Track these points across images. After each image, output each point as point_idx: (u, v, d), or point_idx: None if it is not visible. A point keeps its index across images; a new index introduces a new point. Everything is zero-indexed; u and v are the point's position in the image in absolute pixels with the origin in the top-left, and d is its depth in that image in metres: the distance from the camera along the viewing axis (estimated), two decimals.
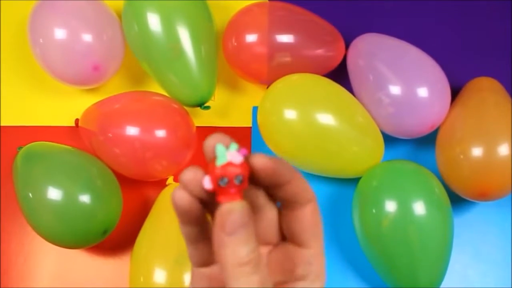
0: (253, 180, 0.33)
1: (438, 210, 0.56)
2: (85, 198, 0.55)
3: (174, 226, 0.54)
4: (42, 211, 0.55)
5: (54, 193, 0.55)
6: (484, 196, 0.58)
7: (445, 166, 0.59)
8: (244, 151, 0.32)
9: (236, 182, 0.31)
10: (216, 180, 0.31)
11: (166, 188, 0.61)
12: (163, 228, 0.56)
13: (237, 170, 0.31)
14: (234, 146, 0.32)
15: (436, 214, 0.55)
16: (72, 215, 0.55)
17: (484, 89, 0.62)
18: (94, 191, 0.56)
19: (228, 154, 0.32)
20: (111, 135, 0.58)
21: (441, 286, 0.59)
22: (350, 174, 0.62)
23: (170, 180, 0.63)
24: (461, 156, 0.57)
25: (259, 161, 0.32)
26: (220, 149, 0.32)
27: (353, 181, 0.62)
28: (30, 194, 0.55)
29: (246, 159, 0.33)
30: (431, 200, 0.55)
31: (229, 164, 0.31)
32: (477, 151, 0.56)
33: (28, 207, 0.56)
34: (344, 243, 0.63)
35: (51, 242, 0.57)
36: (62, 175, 0.56)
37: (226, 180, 0.31)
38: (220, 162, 0.32)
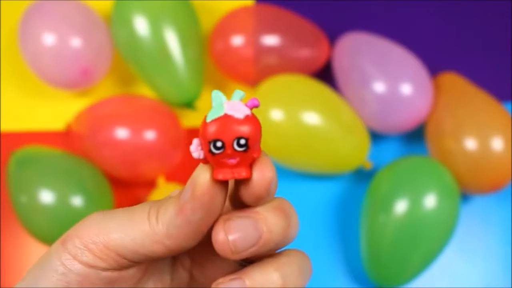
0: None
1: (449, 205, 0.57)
2: (77, 200, 0.56)
3: None
4: (35, 214, 0.56)
5: (46, 196, 0.55)
6: (483, 188, 0.59)
7: (440, 159, 0.61)
8: (255, 101, 0.21)
9: (236, 147, 0.20)
10: (207, 144, 0.21)
11: (157, 189, 0.62)
12: None
13: (238, 129, 0.20)
14: (239, 94, 0.21)
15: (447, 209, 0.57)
16: (65, 217, 0.56)
17: (458, 83, 0.64)
18: (86, 193, 0.57)
19: (227, 105, 0.21)
20: (101, 138, 0.59)
21: (440, 286, 0.60)
22: (337, 171, 0.63)
23: (160, 180, 0.64)
24: (456, 148, 0.58)
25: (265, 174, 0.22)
26: (216, 96, 0.21)
27: (365, 181, 0.63)
28: (23, 198, 0.56)
29: (255, 116, 0.21)
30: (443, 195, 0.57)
31: (226, 118, 0.20)
32: (472, 143, 0.58)
33: (21, 210, 0.57)
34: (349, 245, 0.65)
35: (44, 243, 0.57)
36: (54, 178, 0.57)
37: (220, 143, 0.20)
38: (212, 115, 0.20)
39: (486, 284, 0.62)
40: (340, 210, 0.65)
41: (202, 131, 0.21)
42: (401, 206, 0.56)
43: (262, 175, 0.22)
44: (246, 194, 0.22)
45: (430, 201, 0.56)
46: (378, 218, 0.57)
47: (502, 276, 0.63)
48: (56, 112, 0.67)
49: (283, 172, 0.65)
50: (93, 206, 0.57)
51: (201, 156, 0.21)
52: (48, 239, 0.57)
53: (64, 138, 0.65)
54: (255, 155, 0.21)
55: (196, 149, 0.21)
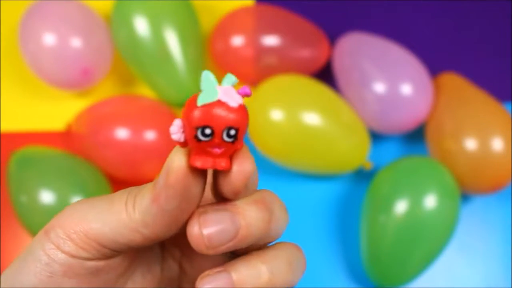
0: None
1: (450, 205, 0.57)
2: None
3: None
4: (35, 213, 0.56)
5: (46, 196, 0.55)
6: (483, 188, 0.59)
7: (440, 159, 0.61)
8: (246, 89, 0.19)
9: (225, 137, 0.19)
10: (192, 129, 0.19)
11: None
12: None
13: (231, 118, 0.19)
14: (230, 79, 0.19)
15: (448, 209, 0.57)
16: None
17: (458, 83, 0.64)
18: (86, 194, 0.57)
19: (221, 90, 0.19)
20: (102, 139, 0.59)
21: (440, 286, 0.60)
22: (337, 171, 0.63)
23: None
24: (456, 148, 0.58)
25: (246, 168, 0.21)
26: (207, 78, 0.19)
27: (365, 181, 0.63)
28: (24, 198, 0.56)
29: (245, 106, 0.20)
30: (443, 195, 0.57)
31: (220, 104, 0.19)
32: (472, 143, 0.58)
33: (22, 210, 0.57)
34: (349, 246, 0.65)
35: None
36: (55, 178, 0.57)
37: (210, 130, 0.19)
38: (204, 99, 0.19)
39: (486, 284, 0.62)
40: (340, 210, 0.65)
41: (189, 114, 0.19)
42: (401, 206, 0.56)
43: (241, 168, 0.20)
44: (224, 186, 0.21)
45: (430, 201, 0.56)
46: (378, 218, 0.57)
47: (502, 276, 0.63)
48: (56, 112, 0.68)
49: (283, 172, 0.65)
50: None
51: (181, 140, 0.20)
52: None
53: (64, 138, 0.65)
54: (238, 147, 0.20)
55: (177, 131, 0.20)
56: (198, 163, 0.19)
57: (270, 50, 0.63)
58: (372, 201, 0.59)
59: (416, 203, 0.56)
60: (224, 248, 0.21)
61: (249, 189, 0.22)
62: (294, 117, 0.59)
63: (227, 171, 0.20)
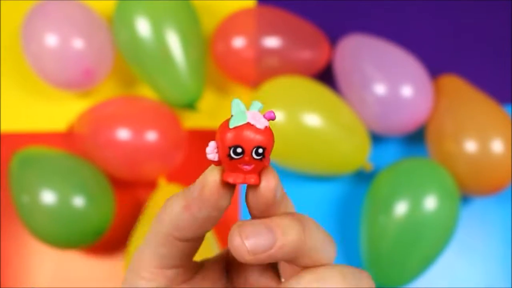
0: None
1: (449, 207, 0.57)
2: (78, 201, 0.56)
3: None
4: (37, 213, 0.56)
5: (48, 197, 0.56)
6: (483, 189, 0.60)
7: (440, 161, 0.61)
8: (271, 114, 0.23)
9: (254, 155, 0.22)
10: (226, 149, 0.22)
11: (158, 189, 0.63)
12: None
13: (259, 138, 0.22)
14: (257, 105, 0.23)
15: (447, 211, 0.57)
16: (66, 217, 0.56)
17: (458, 85, 0.64)
18: (87, 194, 0.57)
19: (249, 114, 0.22)
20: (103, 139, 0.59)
21: (440, 286, 0.60)
22: (338, 172, 0.63)
23: (161, 180, 0.64)
24: (456, 150, 0.59)
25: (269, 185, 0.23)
26: (237, 105, 0.22)
27: (365, 182, 0.64)
28: (25, 198, 0.56)
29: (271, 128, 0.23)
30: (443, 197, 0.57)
31: (249, 127, 0.22)
32: (472, 145, 0.58)
33: (23, 210, 0.57)
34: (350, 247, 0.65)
35: (46, 243, 0.58)
36: (56, 178, 0.57)
37: (240, 149, 0.22)
38: (235, 122, 0.22)
39: (486, 285, 0.63)
40: (341, 211, 0.65)
41: (222, 136, 0.22)
42: (401, 208, 0.56)
43: (268, 182, 0.23)
44: (255, 200, 0.23)
45: (430, 202, 0.56)
46: (378, 219, 0.58)
47: (502, 277, 0.63)
48: (58, 113, 0.68)
49: (284, 174, 0.65)
50: (95, 206, 0.57)
51: (216, 159, 0.22)
52: (49, 239, 0.57)
53: (66, 139, 0.66)
54: (266, 164, 0.23)
55: (212, 151, 0.22)
56: (231, 178, 0.22)
57: (271, 51, 0.63)
58: (372, 202, 0.60)
59: (416, 205, 0.56)
60: (265, 256, 0.23)
61: (278, 203, 0.24)
62: (295, 118, 0.59)
63: (256, 186, 0.23)
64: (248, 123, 0.22)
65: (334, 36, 0.67)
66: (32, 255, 0.63)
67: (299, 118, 0.59)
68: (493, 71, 0.70)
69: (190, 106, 0.64)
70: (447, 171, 0.59)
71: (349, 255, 0.64)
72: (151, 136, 0.60)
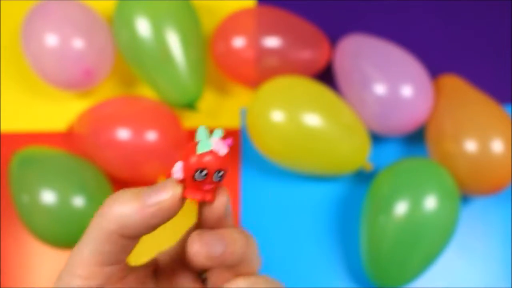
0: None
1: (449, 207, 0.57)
2: (78, 201, 0.56)
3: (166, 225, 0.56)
4: (37, 213, 0.56)
5: (48, 197, 0.56)
6: (483, 189, 0.59)
7: (440, 161, 0.61)
8: (230, 141, 0.26)
9: (215, 178, 0.26)
10: (192, 171, 0.25)
11: None
12: None
13: (221, 164, 0.25)
14: (219, 133, 0.26)
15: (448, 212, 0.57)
16: (66, 217, 0.56)
17: (458, 85, 0.64)
18: (87, 194, 0.57)
19: (213, 142, 0.25)
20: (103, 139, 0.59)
21: (440, 286, 0.60)
22: (338, 171, 0.63)
23: (161, 179, 0.64)
24: (456, 150, 0.59)
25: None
26: (202, 132, 0.26)
27: (365, 182, 0.64)
28: (25, 198, 0.56)
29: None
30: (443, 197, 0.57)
31: (212, 153, 0.25)
32: (472, 145, 0.58)
33: (23, 210, 0.57)
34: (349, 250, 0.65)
35: (46, 243, 0.58)
36: (56, 178, 0.57)
37: (205, 172, 0.25)
38: (202, 149, 0.25)
39: (486, 285, 0.63)
40: (341, 211, 0.65)
41: (189, 159, 0.25)
42: (401, 208, 0.56)
43: (221, 199, 0.27)
44: (208, 214, 0.28)
45: (430, 202, 0.56)
46: (378, 219, 0.58)
47: (502, 277, 0.63)
48: (58, 112, 0.68)
49: (283, 173, 0.65)
50: (95, 206, 0.57)
51: (181, 177, 0.26)
52: (49, 239, 0.57)
53: (66, 139, 0.66)
54: (221, 185, 0.26)
55: (178, 171, 0.25)
56: (190, 195, 0.26)
57: (271, 51, 0.63)
58: (372, 202, 0.60)
59: (416, 205, 0.56)
60: (218, 260, 0.27)
61: (227, 217, 0.28)
62: (295, 118, 0.59)
63: (210, 202, 0.27)
64: (213, 150, 0.25)
65: (334, 36, 0.67)
66: (32, 255, 0.63)
67: (299, 118, 0.59)
68: (493, 71, 0.70)
69: (190, 106, 0.64)
70: (447, 171, 0.59)
71: (349, 255, 0.64)
72: (151, 136, 0.60)
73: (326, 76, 0.67)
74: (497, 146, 0.58)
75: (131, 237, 0.27)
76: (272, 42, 0.63)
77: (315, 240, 0.64)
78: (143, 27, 0.61)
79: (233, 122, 0.69)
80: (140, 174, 0.62)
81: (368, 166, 0.63)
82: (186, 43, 0.62)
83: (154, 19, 0.61)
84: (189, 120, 0.68)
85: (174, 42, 0.61)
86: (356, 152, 0.62)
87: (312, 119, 0.59)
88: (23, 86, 0.69)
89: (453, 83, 0.64)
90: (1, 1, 0.72)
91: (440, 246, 0.57)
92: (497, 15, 0.73)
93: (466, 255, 0.64)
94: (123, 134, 0.59)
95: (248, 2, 0.72)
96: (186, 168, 0.25)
